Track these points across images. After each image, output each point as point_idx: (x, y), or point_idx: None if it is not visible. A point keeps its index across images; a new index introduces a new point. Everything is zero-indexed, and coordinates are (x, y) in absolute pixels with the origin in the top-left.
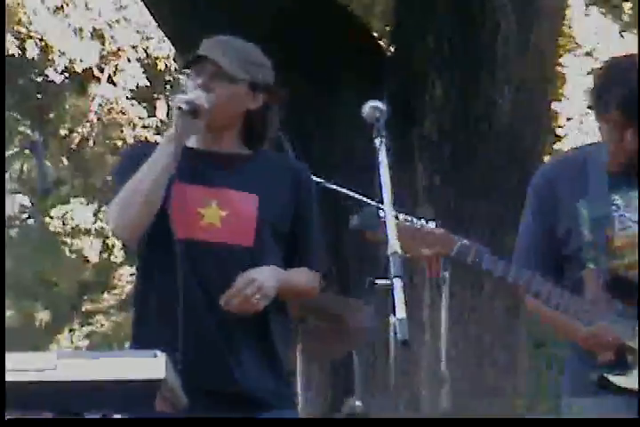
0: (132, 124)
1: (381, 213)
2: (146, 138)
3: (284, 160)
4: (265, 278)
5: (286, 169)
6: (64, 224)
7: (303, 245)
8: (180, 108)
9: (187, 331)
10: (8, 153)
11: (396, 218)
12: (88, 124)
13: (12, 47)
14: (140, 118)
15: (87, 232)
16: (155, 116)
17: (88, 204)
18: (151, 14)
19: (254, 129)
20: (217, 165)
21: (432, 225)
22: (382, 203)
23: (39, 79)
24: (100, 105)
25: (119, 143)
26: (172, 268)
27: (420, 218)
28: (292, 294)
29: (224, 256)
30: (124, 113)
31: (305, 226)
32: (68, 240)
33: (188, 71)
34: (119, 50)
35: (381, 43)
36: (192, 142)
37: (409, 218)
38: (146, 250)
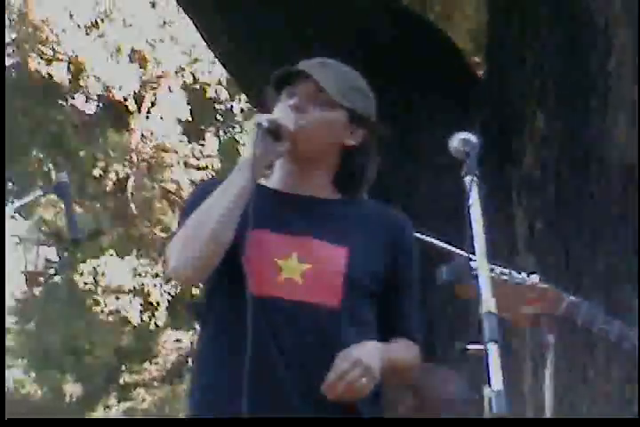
0: (182, 164)
1: (474, 265)
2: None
3: (381, 208)
4: (370, 358)
5: (384, 219)
6: (96, 281)
7: (398, 309)
8: (259, 124)
9: (260, 391)
10: (28, 199)
11: (491, 271)
12: (129, 163)
13: (36, 68)
14: (194, 157)
15: (124, 290)
16: (204, 155)
17: (124, 257)
18: (201, 35)
19: (350, 171)
20: (301, 211)
21: (534, 279)
22: (474, 253)
23: (68, 108)
24: (143, 140)
25: (169, 186)
26: (242, 323)
27: (519, 271)
28: (394, 372)
29: (304, 317)
30: (173, 150)
31: (402, 286)
32: (102, 299)
33: (272, 92)
34: (161, 76)
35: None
36: (274, 182)
37: (506, 271)
38: (214, 300)
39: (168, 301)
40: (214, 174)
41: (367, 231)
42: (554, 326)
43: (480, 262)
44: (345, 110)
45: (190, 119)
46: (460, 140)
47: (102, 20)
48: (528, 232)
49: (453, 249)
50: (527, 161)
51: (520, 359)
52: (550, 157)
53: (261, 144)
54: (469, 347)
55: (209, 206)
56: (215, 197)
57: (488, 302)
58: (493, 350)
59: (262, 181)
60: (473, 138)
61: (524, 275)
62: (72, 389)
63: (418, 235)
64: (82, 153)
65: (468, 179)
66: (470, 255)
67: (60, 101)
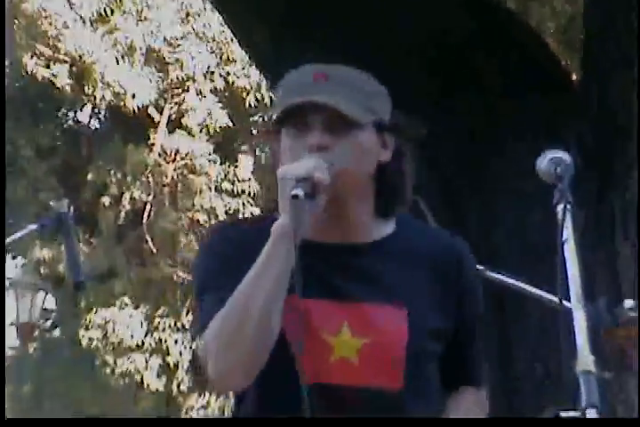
0: (215, 191)
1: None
2: (235, 213)
3: (433, 237)
4: None
5: (438, 253)
6: (106, 336)
7: (463, 359)
8: (296, 196)
9: None
10: (20, 234)
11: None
12: (146, 188)
13: (32, 70)
14: (226, 180)
15: (139, 348)
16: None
17: (138, 306)
18: (231, 30)
19: (390, 189)
20: (344, 266)
21: None
22: (568, 299)
23: (70, 121)
24: (166, 160)
25: (198, 216)
26: (285, 401)
27: None
28: None
29: (365, 403)
30: (201, 173)
31: (467, 337)
32: (111, 359)
33: (281, 128)
34: (186, 79)
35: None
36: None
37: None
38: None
39: (190, 361)
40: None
41: (423, 276)
42: None
43: (575, 310)
44: (371, 124)
45: (229, 126)
46: (550, 160)
47: (112, 12)
48: (636, 272)
49: (542, 293)
50: (633, 185)
51: None
52: None
53: (297, 211)
54: (563, 415)
55: (247, 292)
56: (253, 278)
57: (585, 360)
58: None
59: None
60: (567, 157)
61: None
62: None
63: (496, 275)
64: (89, 176)
65: (560, 208)
66: (563, 302)
67: (62, 111)
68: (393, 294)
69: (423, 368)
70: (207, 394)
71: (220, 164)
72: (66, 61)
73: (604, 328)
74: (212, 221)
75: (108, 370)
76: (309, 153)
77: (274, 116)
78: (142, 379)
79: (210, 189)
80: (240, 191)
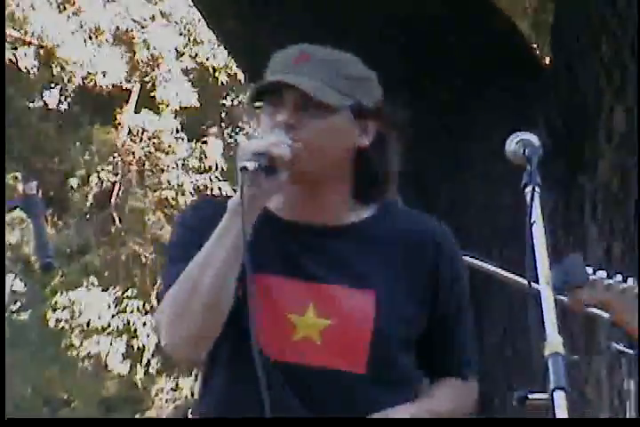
0: (181, 167)
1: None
2: (204, 189)
3: (412, 223)
4: None
5: (417, 238)
6: (73, 318)
7: (445, 346)
8: (244, 168)
9: None
10: None
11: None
12: (114, 169)
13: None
14: (196, 158)
15: (105, 330)
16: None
17: (107, 288)
18: (200, 12)
19: (371, 174)
20: (316, 247)
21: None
22: (536, 281)
23: (39, 103)
24: (133, 140)
25: (166, 194)
26: (252, 382)
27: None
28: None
29: (325, 385)
30: (168, 151)
31: (448, 324)
32: (77, 341)
33: (258, 104)
34: (155, 59)
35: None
36: (279, 206)
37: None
38: (219, 352)
39: (156, 344)
40: (219, 177)
41: (398, 261)
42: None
43: (543, 292)
44: (347, 108)
45: (196, 107)
46: (518, 142)
47: None
48: (604, 256)
49: (511, 276)
50: (603, 168)
51: (595, 411)
52: (631, 164)
53: (251, 186)
54: (531, 396)
55: (200, 267)
56: (204, 253)
57: (554, 342)
58: (560, 400)
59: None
60: (534, 139)
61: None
62: None
63: (468, 258)
64: (56, 158)
65: (528, 190)
66: (532, 284)
67: (29, 93)
68: (363, 278)
69: (391, 355)
70: (176, 376)
71: (188, 141)
72: (32, 43)
73: (568, 287)
74: (180, 199)
75: (75, 352)
76: (277, 130)
77: (250, 93)
78: (107, 362)
79: (177, 166)
80: (208, 168)
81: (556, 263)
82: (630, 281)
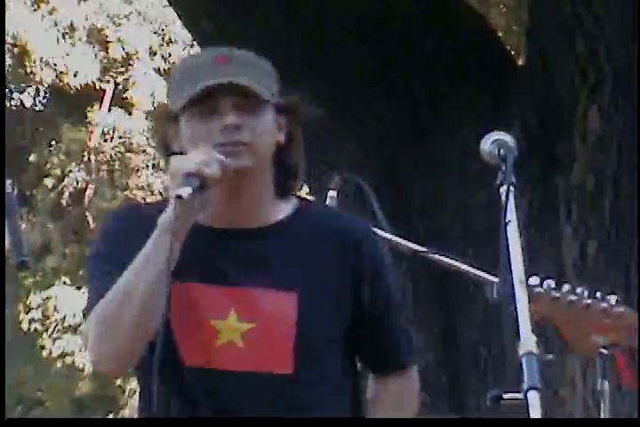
0: (152, 168)
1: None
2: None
3: (332, 220)
4: None
5: (337, 235)
6: (46, 317)
7: (379, 345)
8: (179, 197)
9: None
10: None
11: (556, 289)
12: (86, 169)
13: None
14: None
15: (77, 330)
16: None
17: (81, 287)
18: (177, 13)
19: (286, 169)
20: (237, 251)
21: (610, 301)
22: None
23: (12, 102)
24: (105, 139)
25: (138, 193)
26: (183, 398)
27: (594, 290)
28: None
29: (251, 389)
30: (139, 151)
31: (376, 320)
32: (50, 341)
33: (182, 114)
34: (129, 56)
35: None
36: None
37: (577, 290)
38: (142, 373)
39: None
40: None
41: (320, 260)
42: (631, 361)
43: (518, 292)
44: (271, 104)
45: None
46: (493, 141)
47: None
48: (579, 256)
49: (485, 275)
50: (578, 168)
51: (569, 411)
52: (606, 163)
53: (180, 209)
54: (505, 396)
55: (128, 284)
56: (136, 269)
57: (528, 341)
58: (534, 400)
59: None
60: (509, 139)
61: (599, 295)
62: None
63: (442, 258)
64: (31, 157)
65: (503, 189)
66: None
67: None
68: (283, 277)
69: (319, 353)
70: None
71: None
72: (6, 42)
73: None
74: (150, 198)
75: (47, 352)
76: (225, 135)
77: (177, 103)
78: (80, 361)
79: (147, 166)
80: None
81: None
82: (579, 291)
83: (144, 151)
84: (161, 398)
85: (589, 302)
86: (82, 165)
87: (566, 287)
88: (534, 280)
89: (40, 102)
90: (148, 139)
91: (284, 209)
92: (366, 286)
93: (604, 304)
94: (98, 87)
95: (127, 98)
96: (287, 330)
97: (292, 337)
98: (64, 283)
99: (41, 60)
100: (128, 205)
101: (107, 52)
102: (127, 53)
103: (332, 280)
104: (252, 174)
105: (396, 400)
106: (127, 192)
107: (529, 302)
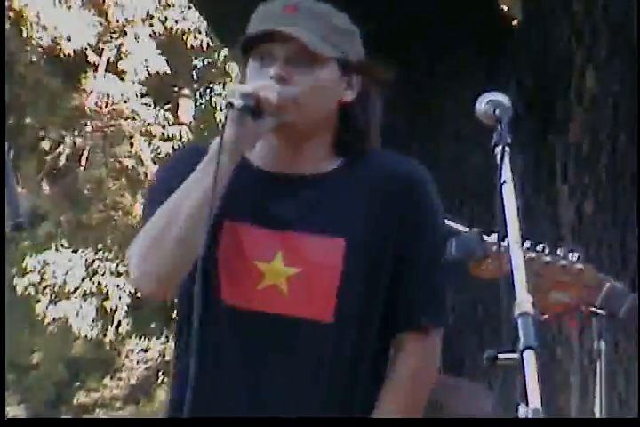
0: (145, 134)
1: (488, 238)
2: (166, 156)
3: (387, 167)
4: None
5: (391, 182)
6: (42, 280)
7: (406, 297)
8: (230, 104)
9: None
10: None
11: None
12: (80, 134)
13: None
14: (159, 125)
15: (75, 293)
16: (179, 122)
17: (77, 250)
18: None
19: (353, 130)
20: (289, 195)
21: (571, 258)
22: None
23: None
24: (99, 105)
25: (127, 162)
26: (216, 339)
27: (555, 247)
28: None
29: (290, 335)
30: (134, 118)
31: (415, 270)
32: (47, 304)
33: (246, 59)
34: (126, 23)
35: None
36: (257, 157)
37: (537, 247)
38: (186, 307)
39: (128, 305)
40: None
41: (370, 207)
42: (604, 329)
43: (513, 252)
44: (335, 61)
45: (164, 75)
46: (488, 101)
47: None
48: (575, 216)
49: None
50: (574, 128)
51: (565, 371)
52: (602, 124)
53: (237, 126)
54: (501, 356)
55: (176, 203)
56: (183, 190)
57: (524, 302)
58: (530, 360)
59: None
60: (504, 99)
61: (560, 251)
62: (14, 412)
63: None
64: (27, 120)
65: (498, 150)
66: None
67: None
68: (336, 224)
69: (358, 305)
70: (147, 338)
71: (154, 107)
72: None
73: (472, 259)
74: (140, 167)
75: (44, 316)
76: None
77: (240, 47)
78: (76, 324)
79: (140, 133)
80: (171, 136)
81: (456, 236)
82: (539, 248)
83: (138, 117)
84: (197, 335)
85: (549, 258)
86: (76, 131)
87: (526, 245)
88: (493, 238)
89: (36, 65)
90: (143, 104)
91: (340, 160)
92: (417, 233)
93: (564, 261)
94: (93, 52)
95: (120, 63)
96: (332, 277)
97: (336, 285)
98: (62, 246)
99: (38, 25)
100: (190, 145)
101: (103, 18)
102: (124, 20)
103: (381, 228)
104: (308, 128)
105: (411, 365)
106: (119, 158)
107: (484, 258)
